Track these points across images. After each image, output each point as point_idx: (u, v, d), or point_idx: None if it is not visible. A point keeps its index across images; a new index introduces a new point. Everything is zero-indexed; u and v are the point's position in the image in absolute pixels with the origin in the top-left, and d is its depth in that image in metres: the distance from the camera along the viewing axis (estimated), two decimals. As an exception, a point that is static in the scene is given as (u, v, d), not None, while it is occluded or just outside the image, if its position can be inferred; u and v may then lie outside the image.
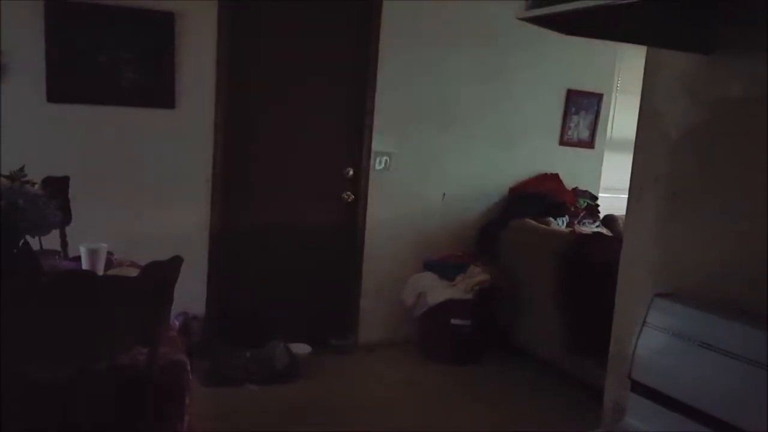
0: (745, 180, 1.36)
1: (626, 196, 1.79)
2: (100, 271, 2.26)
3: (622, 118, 5.31)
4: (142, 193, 3.62)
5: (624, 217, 1.80)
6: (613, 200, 4.92)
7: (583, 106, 5.01)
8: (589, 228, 4.66)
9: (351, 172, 4.22)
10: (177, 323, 3.60)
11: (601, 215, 4.95)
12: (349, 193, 4.22)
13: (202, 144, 3.75)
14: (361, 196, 4.25)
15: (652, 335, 1.39)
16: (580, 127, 5.04)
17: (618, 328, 1.64)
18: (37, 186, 2.20)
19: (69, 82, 3.38)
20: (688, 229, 1.45)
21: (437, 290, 4.12)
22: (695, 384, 1.30)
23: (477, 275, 4.17)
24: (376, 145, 4.22)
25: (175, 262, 1.72)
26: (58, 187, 2.64)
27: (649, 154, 1.58)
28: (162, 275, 1.69)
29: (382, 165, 4.27)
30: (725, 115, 1.39)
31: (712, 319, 1.29)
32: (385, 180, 4.28)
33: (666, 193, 1.53)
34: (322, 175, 4.18)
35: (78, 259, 2.34)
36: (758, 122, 1.34)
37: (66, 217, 2.70)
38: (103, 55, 3.42)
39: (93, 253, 2.32)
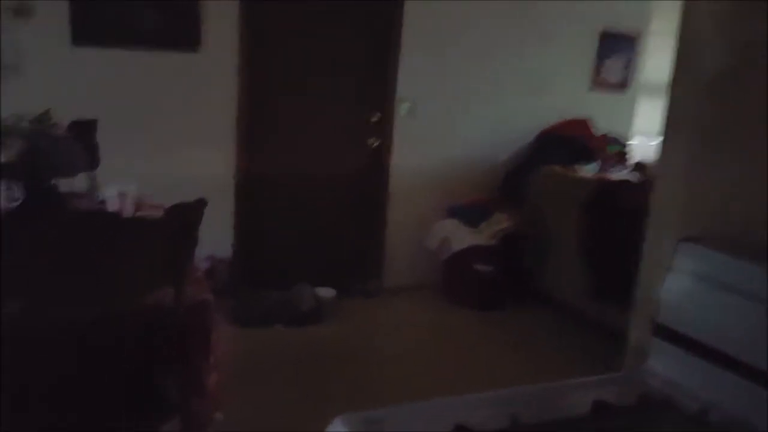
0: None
1: (658, 141, 1.74)
2: (127, 214, 2.29)
3: (656, 62, 5.10)
4: (168, 137, 3.64)
5: (654, 163, 1.76)
6: (644, 146, 4.79)
7: (616, 49, 4.83)
8: (619, 175, 4.57)
9: (376, 118, 4.17)
10: (204, 266, 3.67)
11: (632, 162, 4.84)
12: (374, 138, 4.19)
13: (226, 87, 3.72)
14: (386, 142, 4.21)
15: (678, 279, 1.36)
16: (612, 70, 4.87)
17: (645, 272, 1.61)
18: (63, 130, 2.23)
19: (94, 25, 3.36)
20: (718, 173, 1.40)
21: (461, 236, 4.11)
22: (720, 327, 1.28)
23: (501, 222, 4.15)
24: (401, 90, 4.15)
25: (199, 204, 1.74)
26: (84, 130, 2.66)
27: (682, 96, 1.52)
28: (186, 216, 1.71)
29: (407, 110, 4.20)
30: (761, 57, 1.32)
31: (740, 263, 1.27)
32: (410, 125, 4.22)
33: (698, 136, 1.47)
34: (347, 121, 4.14)
35: (106, 202, 2.38)
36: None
37: (93, 161, 2.73)
38: (126, -2, 3.40)
39: (120, 196, 2.36)
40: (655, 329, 1.39)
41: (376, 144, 4.19)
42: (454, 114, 4.36)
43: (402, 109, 4.19)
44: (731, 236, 1.35)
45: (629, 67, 4.95)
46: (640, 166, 4.69)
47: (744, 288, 1.24)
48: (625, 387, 1.34)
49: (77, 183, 2.68)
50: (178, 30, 3.52)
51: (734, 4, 1.33)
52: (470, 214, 4.23)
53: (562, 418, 1.18)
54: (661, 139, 1.61)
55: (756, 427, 1.16)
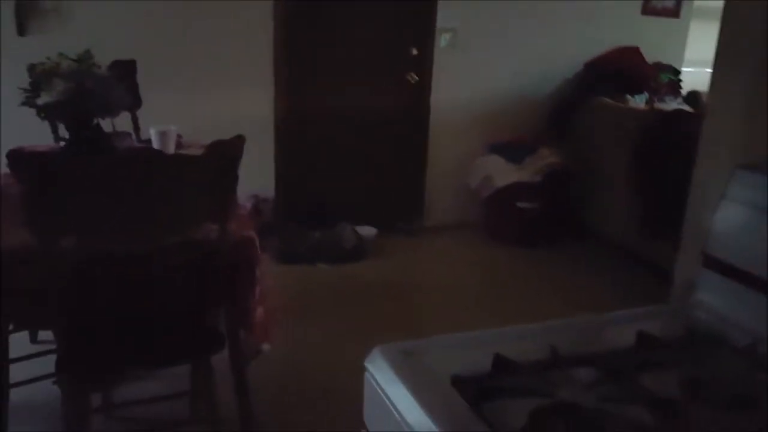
0: None
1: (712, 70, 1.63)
2: (169, 152, 2.32)
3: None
4: (208, 78, 3.64)
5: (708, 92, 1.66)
6: (698, 75, 4.55)
7: (670, -29, 4.54)
8: (671, 105, 4.37)
9: (415, 51, 4.06)
10: (249, 205, 3.72)
11: (685, 91, 4.62)
12: (413, 74, 4.09)
13: (264, 26, 3.67)
14: (426, 77, 4.11)
15: (732, 208, 1.30)
16: (665, -6, 4.59)
17: (695, 202, 1.55)
18: (104, 70, 2.23)
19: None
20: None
21: (504, 173, 4.04)
22: (775, 259, 1.22)
23: (546, 157, 4.05)
24: (440, 21, 4.01)
25: (239, 141, 1.74)
26: (125, 70, 2.68)
27: (738, 22, 1.41)
28: (226, 152, 1.71)
29: (448, 42, 4.07)
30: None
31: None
32: (451, 58, 4.10)
33: (754, 64, 1.37)
34: (386, 56, 4.05)
35: (149, 141, 2.41)
36: None
37: (135, 101, 2.76)
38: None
39: (163, 135, 2.38)
40: (705, 260, 1.35)
41: (415, 79, 4.10)
42: (497, 45, 4.21)
43: (442, 41, 4.06)
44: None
45: (683, -10, 4.65)
46: (693, 96, 4.48)
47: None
48: (671, 319, 1.31)
49: (120, 123, 2.72)
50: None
51: None
52: (514, 150, 4.14)
53: (604, 350, 1.17)
54: (714, 65, 1.52)
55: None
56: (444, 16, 4.00)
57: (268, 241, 3.59)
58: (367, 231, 4.01)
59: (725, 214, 1.31)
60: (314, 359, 2.72)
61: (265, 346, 2.25)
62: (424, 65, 4.08)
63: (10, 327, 1.93)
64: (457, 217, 4.34)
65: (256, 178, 3.64)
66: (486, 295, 3.50)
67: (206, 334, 1.91)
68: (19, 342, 2.18)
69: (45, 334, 2.55)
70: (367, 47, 3.97)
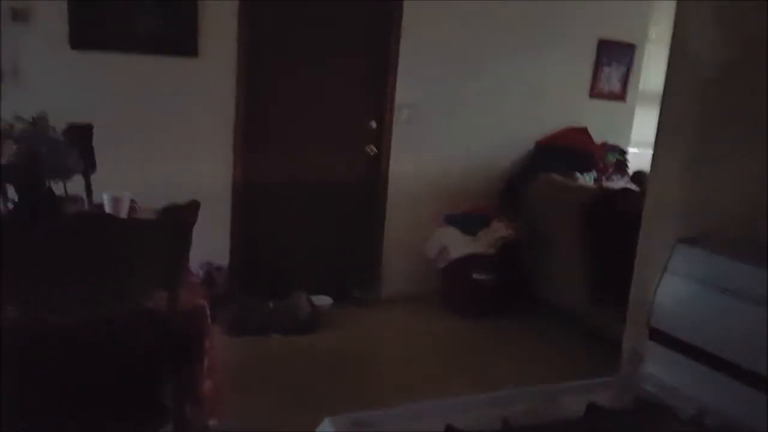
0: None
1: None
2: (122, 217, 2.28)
3: (655, 70, 5.11)
4: (165, 143, 3.64)
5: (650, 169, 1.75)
6: (644, 156, 4.79)
7: (614, 57, 4.84)
8: (618, 184, 4.56)
9: (374, 125, 4.17)
10: (201, 273, 3.66)
11: (631, 171, 4.84)
12: (372, 146, 4.19)
13: (224, 93, 3.73)
14: (384, 149, 4.21)
15: (673, 282, 1.35)
16: (611, 78, 4.89)
17: (639, 275, 1.60)
18: (59, 133, 2.22)
19: (93, 28, 3.37)
20: (714, 173, 1.40)
21: (459, 245, 4.10)
22: (716, 331, 1.27)
23: (500, 230, 4.14)
24: (399, 98, 4.16)
25: (193, 206, 1.74)
26: (81, 134, 2.66)
27: (677, 95, 1.51)
28: (179, 218, 1.70)
29: (406, 117, 4.20)
30: (757, 54, 1.32)
31: (737, 265, 1.25)
32: (409, 133, 4.22)
33: (693, 135, 1.47)
34: (346, 128, 4.14)
35: (101, 206, 2.37)
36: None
37: (90, 165, 2.73)
38: (127, 1, 3.41)
39: (116, 201, 2.35)
40: (650, 333, 1.38)
41: (374, 151, 4.19)
42: (453, 121, 4.37)
43: (401, 116, 4.19)
44: (728, 238, 1.34)
45: (627, 75, 4.96)
46: (639, 175, 4.69)
47: (741, 290, 1.22)
48: (619, 391, 1.32)
49: (73, 187, 2.68)
50: (177, 35, 3.54)
51: (732, 3, 1.33)
52: (469, 222, 4.22)
53: (554, 420, 1.17)
54: (655, 138, 1.61)
55: (752, 430, 1.14)
56: (403, 93, 4.14)
57: (221, 312, 3.51)
58: (323, 300, 3.97)
59: (667, 288, 1.35)
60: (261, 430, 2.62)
61: (213, 422, 2.16)
62: (382, 138, 4.19)
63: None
64: (414, 288, 4.35)
65: (209, 245, 3.59)
66: (440, 367, 3.46)
67: (150, 408, 1.83)
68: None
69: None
70: (328, 119, 4.06)
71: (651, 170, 1.64)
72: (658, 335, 1.37)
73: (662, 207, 1.56)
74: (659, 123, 1.54)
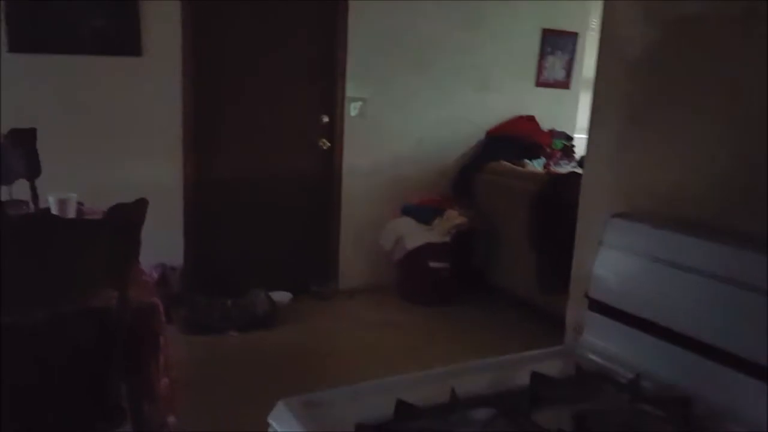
0: (698, 102, 1.37)
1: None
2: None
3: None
4: (112, 144, 3.58)
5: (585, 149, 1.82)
6: (589, 141, 4.93)
7: (558, 46, 4.97)
8: (566, 168, 4.69)
9: (326, 119, 4.19)
10: (155, 274, 3.62)
11: (578, 156, 4.98)
12: (324, 140, 4.20)
13: (171, 92, 3.69)
14: (337, 143, 4.23)
15: (608, 254, 1.42)
16: (555, 67, 5.01)
17: (579, 251, 1.67)
18: (1, 137, 2.18)
19: (32, 31, 3.29)
20: (643, 152, 1.47)
21: (415, 234, 4.16)
22: (650, 298, 1.34)
23: (454, 218, 4.21)
24: (350, 91, 4.18)
25: (141, 204, 1.72)
26: (24, 138, 2.61)
27: (607, 79, 1.58)
28: (127, 216, 1.69)
29: (357, 111, 4.23)
30: (682, 35, 1.39)
31: (666, 234, 1.33)
32: (361, 126, 4.25)
33: (623, 117, 1.54)
34: (297, 123, 4.15)
35: (48, 209, 2.33)
36: (713, 42, 1.34)
37: (34, 169, 2.68)
38: (65, 2, 3.33)
39: (62, 203, 2.31)
40: (589, 304, 1.45)
41: (327, 145, 4.21)
42: (404, 114, 4.42)
43: (352, 110, 4.21)
44: (658, 212, 1.42)
45: (571, 64, 5.09)
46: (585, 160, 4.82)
47: (671, 259, 1.30)
48: (563, 360, 1.39)
49: (19, 192, 2.62)
50: (119, 34, 3.48)
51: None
52: (423, 212, 4.28)
53: (501, 390, 1.22)
54: (589, 121, 1.68)
55: (686, 391, 1.22)
56: (353, 88, 4.17)
57: (177, 312, 3.48)
58: (281, 296, 3.97)
59: (603, 260, 1.42)
60: (220, 426, 2.62)
61: (171, 419, 2.16)
62: (335, 132, 4.21)
63: None
64: (372, 280, 4.39)
65: (163, 246, 3.56)
66: (398, 357, 3.51)
67: (107, 408, 1.82)
68: None
69: None
70: (279, 114, 4.06)
71: (586, 151, 1.71)
72: (596, 305, 1.44)
73: (597, 187, 1.63)
74: (592, 106, 1.61)
